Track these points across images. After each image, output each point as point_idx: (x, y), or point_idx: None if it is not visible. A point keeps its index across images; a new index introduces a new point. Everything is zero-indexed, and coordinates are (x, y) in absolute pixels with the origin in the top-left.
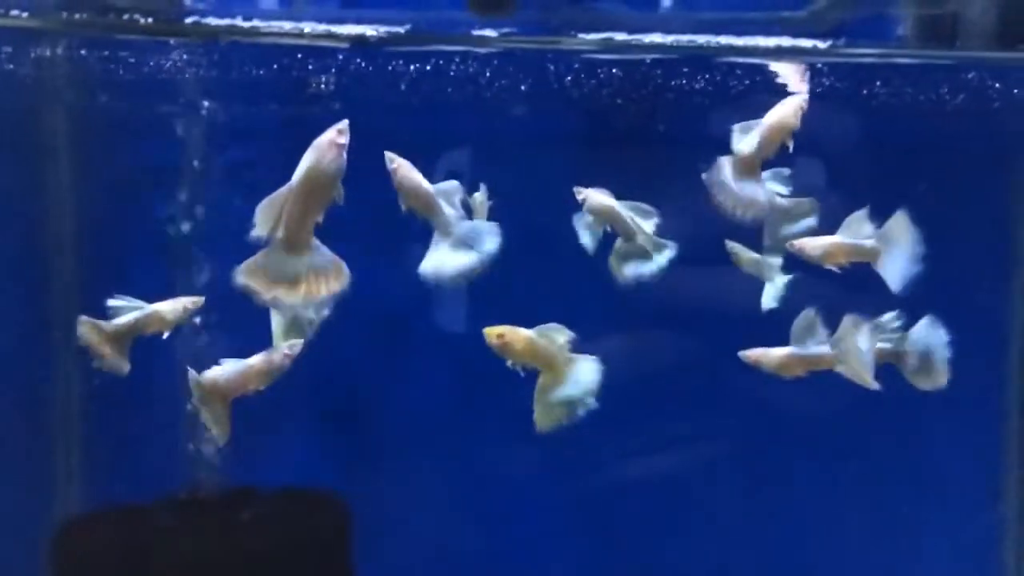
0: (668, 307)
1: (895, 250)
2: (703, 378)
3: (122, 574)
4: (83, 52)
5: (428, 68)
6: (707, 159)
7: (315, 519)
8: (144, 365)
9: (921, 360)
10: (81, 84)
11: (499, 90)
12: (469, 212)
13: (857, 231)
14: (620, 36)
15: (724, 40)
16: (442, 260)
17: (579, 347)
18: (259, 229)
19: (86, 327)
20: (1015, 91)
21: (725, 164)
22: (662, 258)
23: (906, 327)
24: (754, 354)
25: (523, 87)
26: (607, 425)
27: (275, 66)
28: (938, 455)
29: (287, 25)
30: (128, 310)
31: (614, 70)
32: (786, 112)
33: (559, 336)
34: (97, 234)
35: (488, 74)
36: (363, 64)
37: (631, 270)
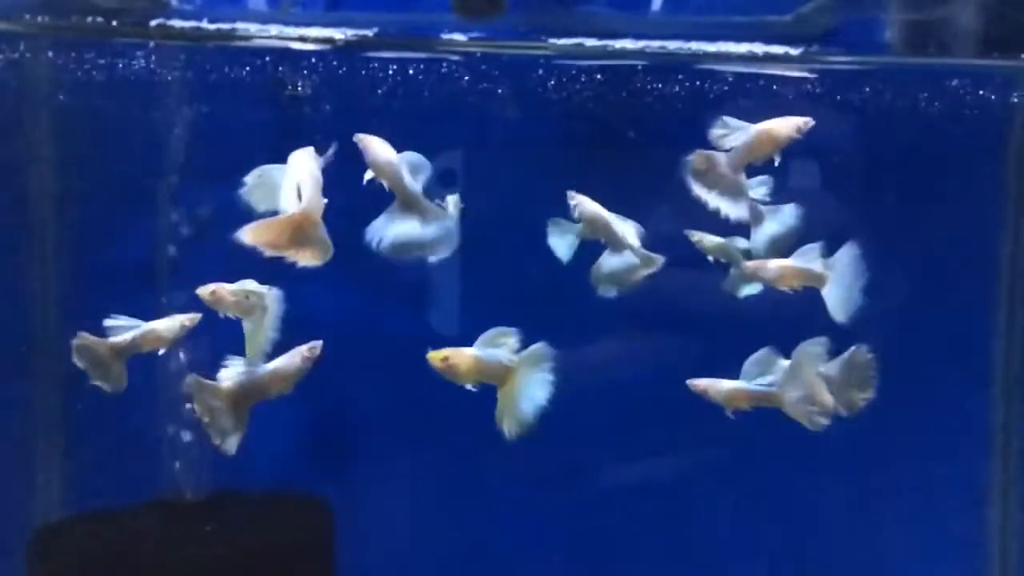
0: (657, 309)
1: (841, 279)
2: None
3: None
4: (68, 55)
5: (411, 71)
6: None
7: (297, 522)
8: (129, 367)
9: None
10: (65, 88)
11: (483, 94)
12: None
13: (808, 259)
14: (606, 41)
15: (696, 46)
16: (392, 227)
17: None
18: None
19: (86, 344)
20: (1000, 97)
21: (704, 156)
22: (649, 270)
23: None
24: (702, 384)
25: (507, 90)
26: (596, 428)
27: (261, 69)
28: (924, 460)
29: (273, 29)
30: (125, 329)
31: (598, 75)
32: (780, 126)
33: (506, 339)
34: (80, 239)
35: (472, 77)
36: (348, 67)
37: (615, 282)
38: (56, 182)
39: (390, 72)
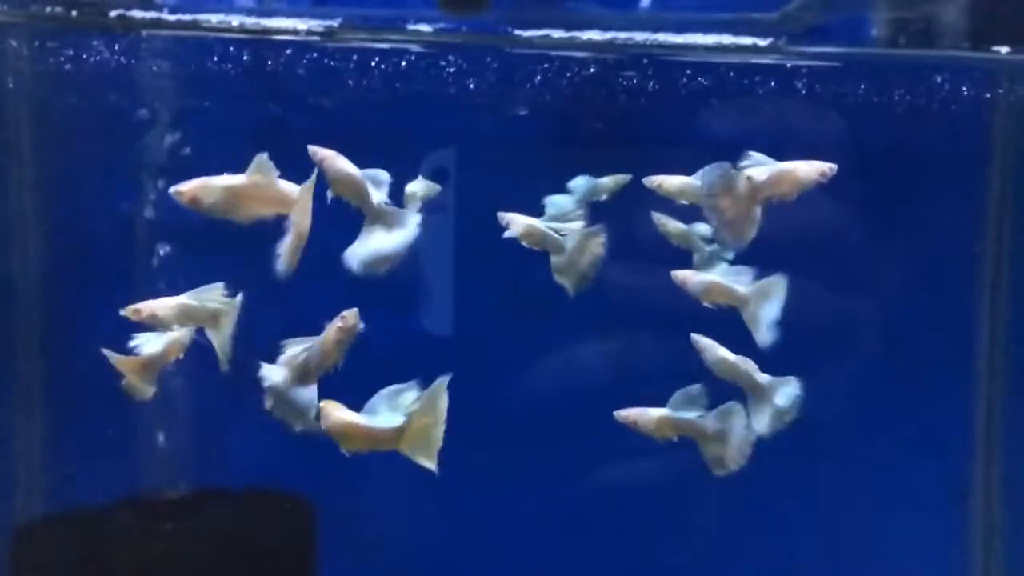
0: (648, 306)
1: (764, 305)
2: (679, 380)
3: None
4: (48, 46)
5: (391, 64)
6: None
7: (279, 520)
8: (106, 366)
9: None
10: (46, 79)
11: (466, 88)
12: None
13: (737, 278)
14: (589, 35)
15: (664, 37)
16: (372, 246)
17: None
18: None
19: (119, 362)
20: (984, 92)
21: (727, 176)
22: (596, 246)
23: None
24: (632, 414)
25: (491, 85)
26: (584, 428)
27: (244, 61)
28: (907, 457)
29: (235, 20)
30: (151, 342)
31: (582, 69)
32: (805, 169)
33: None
34: (61, 232)
35: (455, 71)
36: (333, 60)
37: (575, 277)
38: (37, 170)
39: (355, 63)
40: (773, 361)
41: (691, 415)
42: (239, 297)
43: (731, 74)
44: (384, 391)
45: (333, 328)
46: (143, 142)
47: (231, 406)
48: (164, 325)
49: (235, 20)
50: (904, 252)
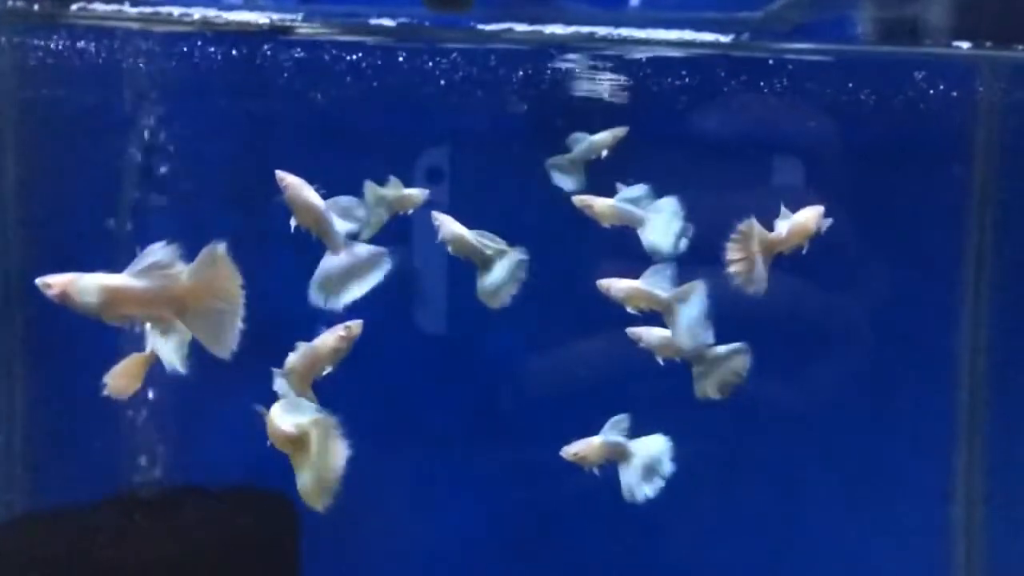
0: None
1: (683, 310)
2: (676, 378)
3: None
4: (34, 41)
5: (378, 63)
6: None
7: (261, 518)
8: (88, 364)
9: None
10: (31, 73)
11: (453, 86)
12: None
13: (658, 282)
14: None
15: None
16: (330, 281)
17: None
18: None
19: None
20: (965, 87)
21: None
22: (510, 263)
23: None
24: (579, 449)
25: (477, 82)
26: (576, 424)
27: (230, 57)
28: (890, 456)
29: (196, 13)
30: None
31: (564, 66)
32: (809, 217)
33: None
34: (44, 230)
35: (441, 69)
36: (323, 57)
37: (497, 292)
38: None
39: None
40: (757, 359)
41: (619, 439)
42: None
43: (716, 71)
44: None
45: (334, 335)
46: (108, 137)
47: (214, 404)
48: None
49: (196, 13)
50: (887, 250)
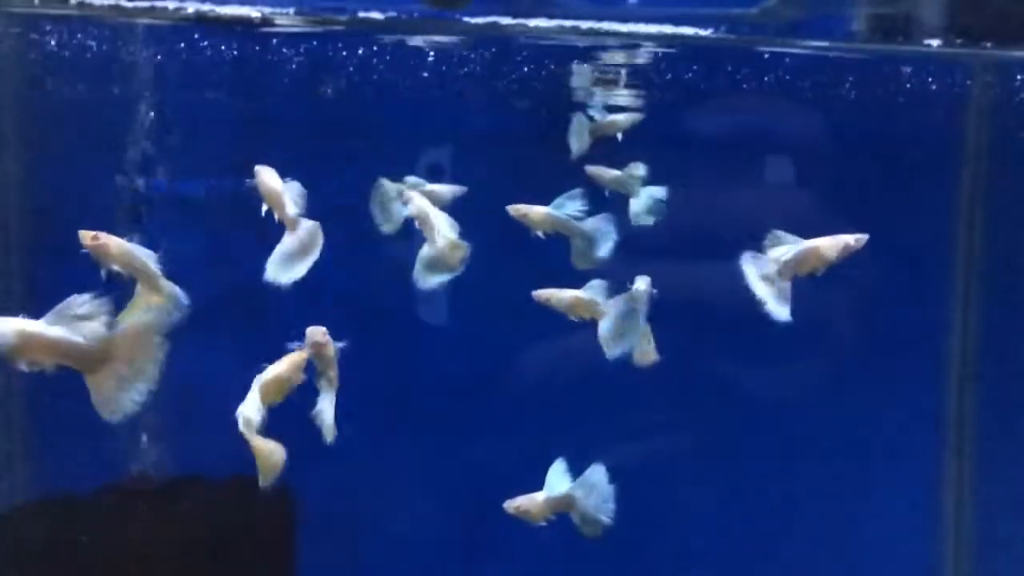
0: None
1: (614, 318)
2: (672, 367)
3: (63, 565)
4: (34, 35)
5: (378, 56)
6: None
7: (257, 507)
8: None
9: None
10: (33, 66)
11: (451, 80)
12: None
13: (595, 293)
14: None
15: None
16: (284, 259)
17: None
18: None
19: None
20: (956, 86)
21: (759, 261)
22: (457, 256)
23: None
24: (521, 503)
25: (475, 77)
26: (571, 416)
27: (232, 50)
28: (880, 448)
29: (207, 7)
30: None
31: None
32: (827, 245)
33: None
34: (45, 220)
35: (438, 63)
36: (325, 50)
37: (429, 274)
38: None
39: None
40: (749, 356)
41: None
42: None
43: (706, 67)
44: None
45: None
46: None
47: (213, 392)
48: (110, 263)
49: (190, 7)
50: (875, 246)
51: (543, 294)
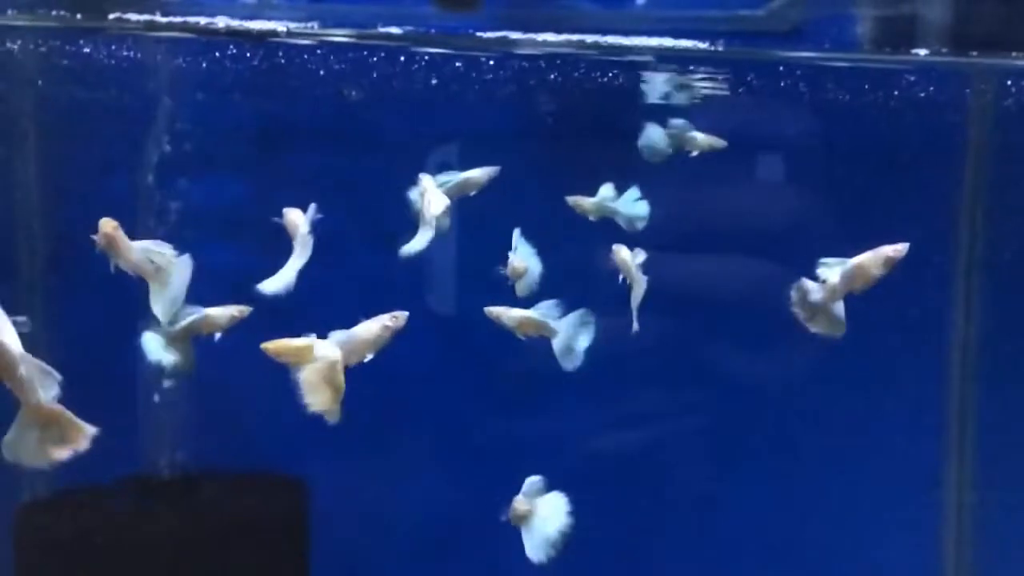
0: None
1: (566, 336)
2: (672, 360)
3: (82, 557)
4: (54, 44)
5: (392, 65)
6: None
7: (273, 501)
8: (104, 349)
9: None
10: (51, 74)
11: (462, 88)
12: None
13: (545, 312)
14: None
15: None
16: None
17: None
18: None
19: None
20: (959, 92)
21: (813, 287)
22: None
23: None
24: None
25: (485, 84)
26: (578, 402)
27: (246, 60)
28: (881, 444)
29: (236, 23)
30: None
31: (575, 69)
32: (869, 261)
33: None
34: (62, 223)
35: (451, 71)
36: (336, 61)
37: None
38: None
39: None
40: (748, 354)
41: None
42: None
43: (717, 74)
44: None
45: (380, 323)
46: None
47: (229, 387)
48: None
49: (221, 22)
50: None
51: (494, 311)
